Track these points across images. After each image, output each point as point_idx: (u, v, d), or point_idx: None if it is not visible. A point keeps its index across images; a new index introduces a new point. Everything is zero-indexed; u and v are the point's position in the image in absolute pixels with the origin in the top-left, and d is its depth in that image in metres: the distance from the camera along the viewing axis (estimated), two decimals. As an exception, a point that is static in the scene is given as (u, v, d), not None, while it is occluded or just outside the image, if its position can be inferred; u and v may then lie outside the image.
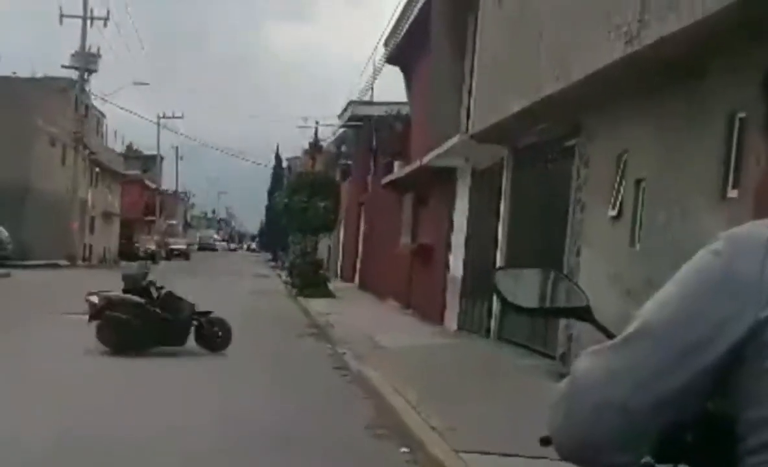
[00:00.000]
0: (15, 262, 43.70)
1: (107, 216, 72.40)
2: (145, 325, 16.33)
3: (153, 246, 75.95)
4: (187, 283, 19.78)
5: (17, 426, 9.82)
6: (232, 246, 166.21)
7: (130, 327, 16.16)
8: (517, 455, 8.28)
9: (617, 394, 1.63)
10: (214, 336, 16.81)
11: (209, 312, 17.07)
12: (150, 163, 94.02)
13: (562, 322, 13.97)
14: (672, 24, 9.65)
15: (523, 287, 2.27)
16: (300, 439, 9.96)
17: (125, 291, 17.06)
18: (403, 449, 9.59)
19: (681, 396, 1.61)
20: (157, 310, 16.55)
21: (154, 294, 16.92)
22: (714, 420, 1.68)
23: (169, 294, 17.14)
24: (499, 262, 18.76)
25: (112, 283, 18.12)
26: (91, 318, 16.37)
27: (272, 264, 79.72)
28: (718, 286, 1.60)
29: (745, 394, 1.59)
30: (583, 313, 2.14)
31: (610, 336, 1.81)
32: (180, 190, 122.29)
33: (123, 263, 50.87)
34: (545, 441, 1.80)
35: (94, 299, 16.52)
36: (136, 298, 16.69)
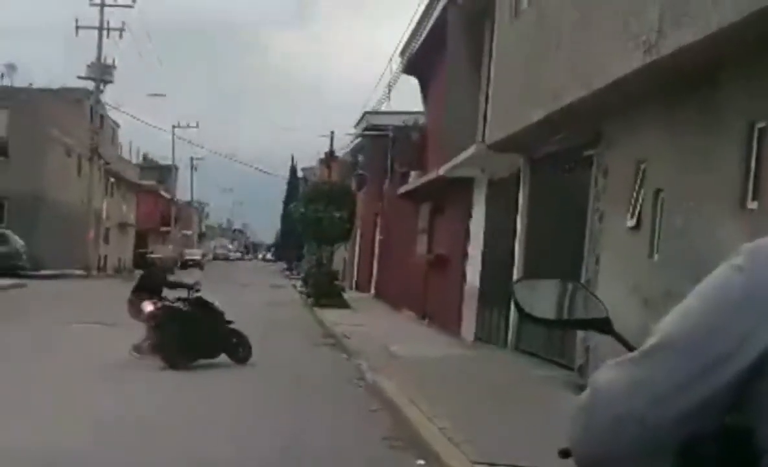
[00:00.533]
0: (30, 273, 43.84)
1: (122, 226, 72.63)
2: (191, 337, 16.12)
3: (167, 256, 76.07)
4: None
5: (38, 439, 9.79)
6: (248, 256, 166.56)
7: (180, 338, 15.98)
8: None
9: (637, 407, 1.60)
10: (237, 347, 16.75)
11: (231, 322, 17.00)
12: (165, 173, 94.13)
13: (580, 334, 13.90)
14: (690, 34, 9.61)
15: (541, 298, 2.24)
16: (315, 450, 9.92)
17: (139, 287, 17.14)
18: (420, 461, 9.53)
19: (701, 409, 1.59)
20: (202, 321, 16.40)
21: (185, 295, 16.95)
22: (732, 433, 1.65)
23: (200, 298, 17.03)
24: (516, 273, 18.70)
25: (125, 294, 18.12)
26: (148, 323, 16.34)
27: (287, 274, 79.78)
28: (739, 302, 1.58)
29: (764, 408, 1.57)
30: (603, 325, 2.12)
31: (630, 348, 1.78)
32: (195, 200, 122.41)
33: (137, 273, 50.94)
34: (564, 454, 1.77)
35: (149, 307, 16.52)
36: (188, 309, 16.63)
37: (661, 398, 1.59)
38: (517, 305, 2.20)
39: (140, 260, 69.37)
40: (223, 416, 11.81)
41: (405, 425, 11.06)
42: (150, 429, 10.57)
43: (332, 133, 57.70)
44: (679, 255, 11.01)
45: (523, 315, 2.19)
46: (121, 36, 57.76)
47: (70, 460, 9.05)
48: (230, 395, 13.55)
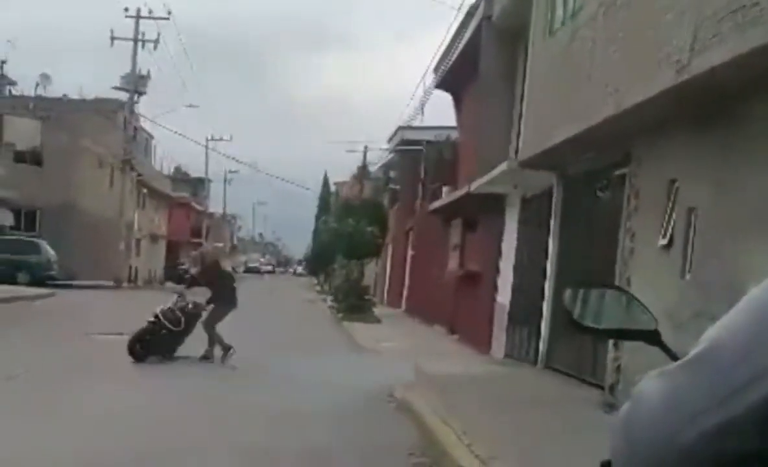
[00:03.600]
0: (60, 282, 44.12)
1: (154, 238, 72.84)
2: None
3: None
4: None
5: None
6: (279, 269, 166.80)
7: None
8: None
9: (678, 420, 1.54)
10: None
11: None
12: (198, 185, 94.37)
13: (611, 353, 13.85)
14: (722, 54, 9.57)
15: (590, 306, 2.22)
16: (342, 465, 9.89)
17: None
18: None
19: (743, 426, 1.50)
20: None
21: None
22: None
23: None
24: (547, 291, 18.65)
25: (153, 306, 18.33)
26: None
27: (318, 288, 79.80)
28: None
29: None
30: (651, 336, 2.08)
31: (676, 360, 1.71)
32: (227, 213, 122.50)
33: (168, 285, 51.19)
34: (606, 466, 1.73)
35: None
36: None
37: (700, 412, 1.52)
38: (567, 313, 2.20)
39: (171, 273, 69.77)
40: (243, 424, 11.83)
41: (432, 441, 11.03)
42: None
43: (365, 148, 57.94)
44: (710, 276, 10.93)
45: (572, 323, 2.18)
46: (155, 47, 58.18)
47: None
48: (252, 406, 13.55)
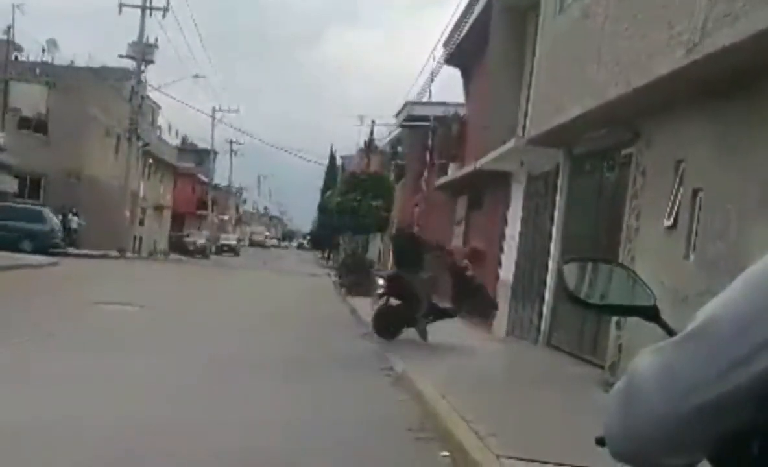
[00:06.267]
0: (64, 251, 44.02)
1: (158, 208, 72.57)
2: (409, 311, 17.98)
3: (203, 241, 76.15)
4: (237, 280, 19.80)
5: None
6: (284, 243, 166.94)
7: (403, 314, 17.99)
8: (559, 463, 8.14)
9: (673, 395, 1.53)
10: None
11: None
12: (204, 156, 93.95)
13: (613, 332, 13.82)
14: (734, 34, 9.48)
15: (589, 281, 2.20)
16: (339, 440, 9.84)
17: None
18: (444, 453, 9.47)
19: (742, 400, 1.49)
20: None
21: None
22: None
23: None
24: (551, 269, 18.61)
25: (158, 277, 18.28)
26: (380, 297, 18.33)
27: (322, 262, 79.88)
28: None
29: None
30: (650, 312, 2.03)
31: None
32: (233, 185, 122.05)
33: (172, 256, 51.14)
34: (600, 442, 1.71)
35: (381, 281, 18.42)
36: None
37: (697, 386, 1.50)
38: (565, 287, 2.16)
39: (176, 244, 69.68)
40: (243, 399, 11.82)
41: (431, 416, 11.00)
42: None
43: (372, 122, 57.81)
44: (715, 256, 10.89)
45: (570, 298, 2.14)
46: (164, 15, 57.84)
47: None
48: (243, 380, 13.55)
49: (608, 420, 1.65)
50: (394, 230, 21.45)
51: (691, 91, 11.74)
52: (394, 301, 18.34)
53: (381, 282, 19.20)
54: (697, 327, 1.55)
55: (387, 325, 18.06)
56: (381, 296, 18.61)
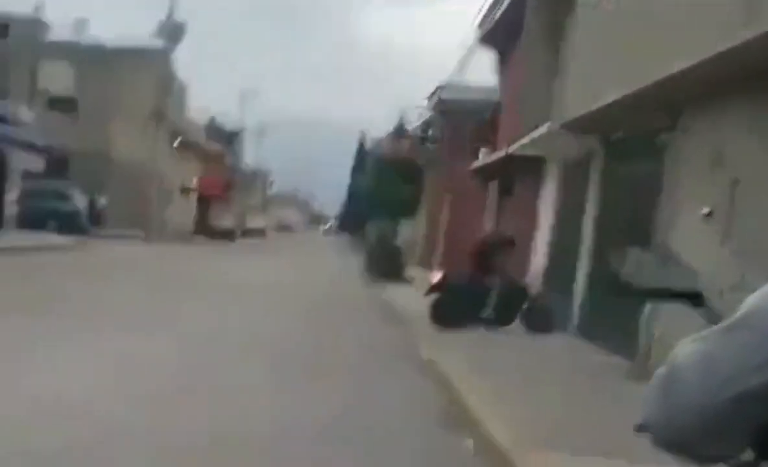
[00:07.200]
0: (88, 233, 43.80)
1: (185, 190, 71.96)
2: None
3: (230, 224, 75.74)
4: (260, 264, 19.61)
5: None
6: (311, 227, 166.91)
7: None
8: (585, 454, 7.98)
9: (713, 384, 1.54)
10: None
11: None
12: (232, 138, 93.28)
13: (644, 323, 13.59)
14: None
15: (638, 267, 2.22)
16: (364, 427, 9.68)
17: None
18: (469, 440, 9.31)
19: None
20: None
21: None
22: None
23: None
24: (583, 257, 18.39)
25: (184, 261, 18.18)
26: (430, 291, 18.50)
27: (351, 247, 79.60)
28: None
29: None
30: (697, 298, 2.07)
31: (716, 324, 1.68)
32: (260, 167, 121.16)
33: (198, 239, 50.96)
34: (641, 428, 1.70)
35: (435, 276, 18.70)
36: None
37: (738, 375, 1.52)
38: (615, 273, 2.21)
39: (202, 227, 69.35)
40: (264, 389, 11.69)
41: (458, 404, 10.85)
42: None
43: (403, 107, 57.50)
44: (751, 246, 10.73)
45: (619, 284, 2.18)
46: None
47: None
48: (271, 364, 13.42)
49: (649, 407, 1.66)
50: (488, 235, 21.34)
51: (732, 78, 11.50)
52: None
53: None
54: (740, 318, 1.56)
55: (445, 315, 18.06)
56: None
